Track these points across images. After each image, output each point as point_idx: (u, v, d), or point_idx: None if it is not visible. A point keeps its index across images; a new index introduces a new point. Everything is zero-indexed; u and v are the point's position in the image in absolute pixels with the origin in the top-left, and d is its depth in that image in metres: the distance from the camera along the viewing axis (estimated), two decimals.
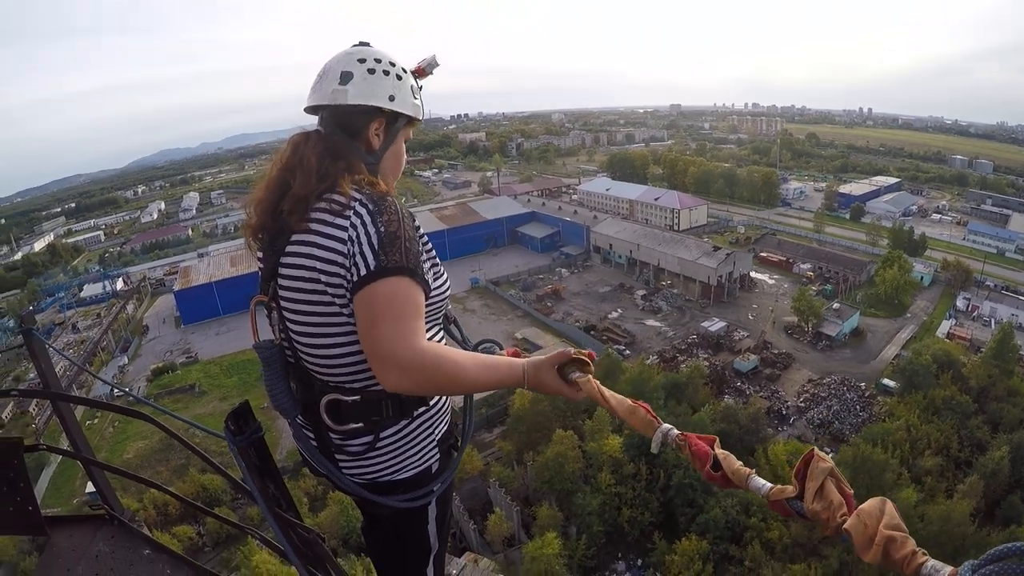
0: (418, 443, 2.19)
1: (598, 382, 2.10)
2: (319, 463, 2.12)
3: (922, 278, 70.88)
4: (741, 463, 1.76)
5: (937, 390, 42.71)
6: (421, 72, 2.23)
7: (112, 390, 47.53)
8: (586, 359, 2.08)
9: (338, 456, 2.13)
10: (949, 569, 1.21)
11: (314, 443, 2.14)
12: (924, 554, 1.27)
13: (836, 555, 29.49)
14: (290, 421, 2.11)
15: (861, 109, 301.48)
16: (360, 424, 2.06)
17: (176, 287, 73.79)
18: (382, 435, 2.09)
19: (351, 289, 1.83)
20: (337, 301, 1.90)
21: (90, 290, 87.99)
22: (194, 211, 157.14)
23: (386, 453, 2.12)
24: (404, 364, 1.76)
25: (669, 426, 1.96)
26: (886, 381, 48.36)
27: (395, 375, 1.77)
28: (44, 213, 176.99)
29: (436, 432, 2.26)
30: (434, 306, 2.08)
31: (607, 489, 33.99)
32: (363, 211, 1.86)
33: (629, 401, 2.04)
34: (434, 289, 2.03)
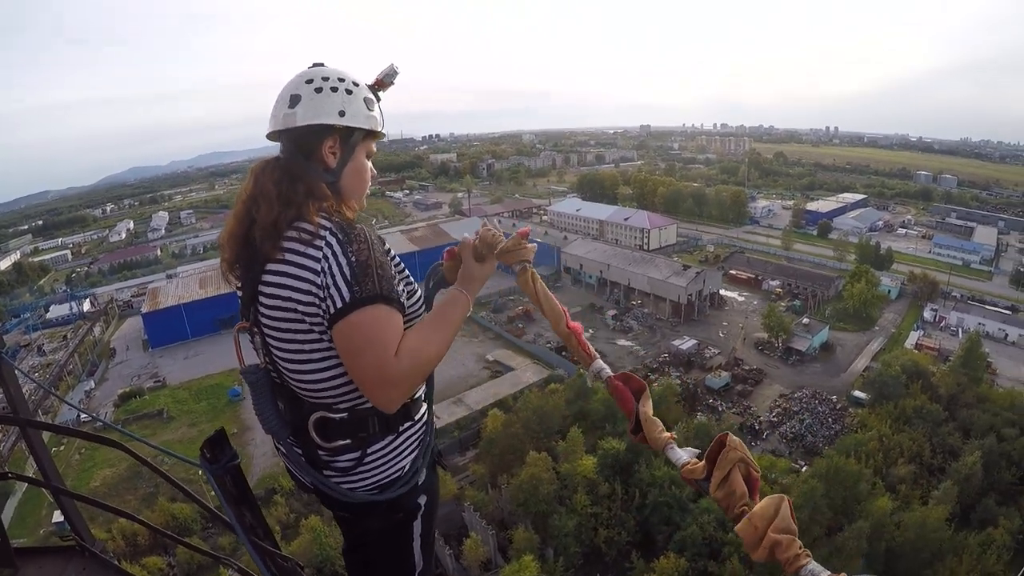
0: (404, 457, 2.22)
1: (537, 277, 2.17)
2: (309, 476, 2.15)
3: (889, 291, 72.19)
4: (663, 427, 1.82)
5: (908, 400, 43.44)
6: (381, 84, 2.23)
7: (79, 416, 46.45)
8: (512, 249, 2.18)
9: (327, 472, 2.14)
10: (827, 573, 1.29)
11: (302, 457, 2.14)
12: (807, 556, 1.35)
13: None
14: (281, 442, 2.14)
15: (827, 128, 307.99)
16: (348, 440, 2.09)
17: (144, 309, 72.37)
18: (369, 451, 2.12)
19: (328, 321, 1.86)
20: (316, 329, 1.93)
21: (56, 311, 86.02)
22: (163, 231, 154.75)
23: (373, 467, 2.15)
24: (388, 382, 1.84)
25: (603, 364, 2.03)
26: (857, 393, 49.03)
27: (387, 395, 1.87)
28: (11, 230, 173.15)
29: (421, 445, 2.30)
30: (411, 322, 2.10)
31: (583, 510, 33.84)
32: (333, 241, 1.88)
33: (565, 321, 2.10)
34: (408, 308, 2.08)
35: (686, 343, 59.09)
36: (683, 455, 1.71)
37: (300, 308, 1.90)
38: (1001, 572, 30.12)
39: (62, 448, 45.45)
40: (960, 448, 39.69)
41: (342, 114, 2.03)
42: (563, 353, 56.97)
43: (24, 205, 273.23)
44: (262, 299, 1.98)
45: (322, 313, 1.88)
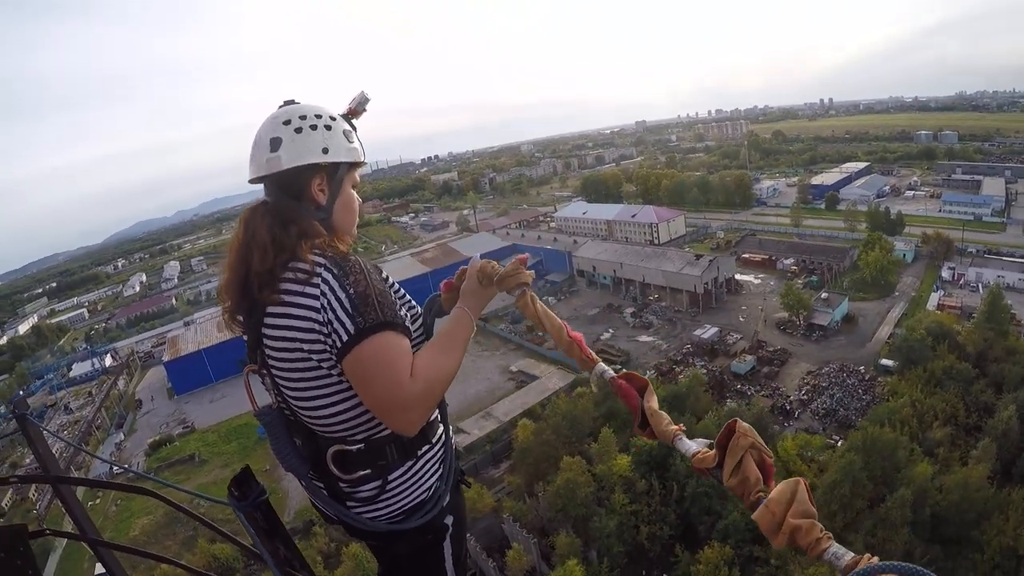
0: (426, 480, 2.21)
1: (535, 299, 2.25)
2: (332, 509, 2.15)
3: (904, 255, 71.69)
4: (670, 420, 1.85)
5: (936, 362, 42.84)
6: (353, 113, 2.23)
7: (112, 468, 46.82)
8: (511, 273, 2.23)
9: (349, 503, 2.14)
10: (850, 556, 1.29)
11: (325, 492, 2.15)
12: (829, 538, 1.34)
13: (860, 539, 29.17)
14: (302, 478, 2.14)
15: (822, 100, 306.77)
16: (368, 470, 2.09)
17: (165, 358, 73.12)
18: (390, 478, 2.12)
19: (337, 355, 1.86)
20: (324, 365, 1.92)
21: (79, 369, 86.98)
22: (176, 280, 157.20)
23: (395, 495, 2.14)
24: (405, 406, 1.85)
25: (605, 367, 2.09)
26: (884, 361, 48.59)
27: (406, 419, 1.87)
28: (26, 295, 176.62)
29: (443, 467, 2.29)
30: (415, 347, 2.09)
31: (622, 509, 33.66)
32: (329, 276, 1.88)
33: (566, 332, 2.18)
34: (412, 332, 2.09)
35: (707, 332, 58.88)
36: (692, 445, 1.72)
37: (305, 347, 1.90)
38: None
39: (98, 501, 45.95)
40: (994, 404, 39.06)
41: (325, 151, 2.04)
42: None
43: (36, 270, 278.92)
44: (267, 342, 1.98)
45: (329, 349, 1.88)
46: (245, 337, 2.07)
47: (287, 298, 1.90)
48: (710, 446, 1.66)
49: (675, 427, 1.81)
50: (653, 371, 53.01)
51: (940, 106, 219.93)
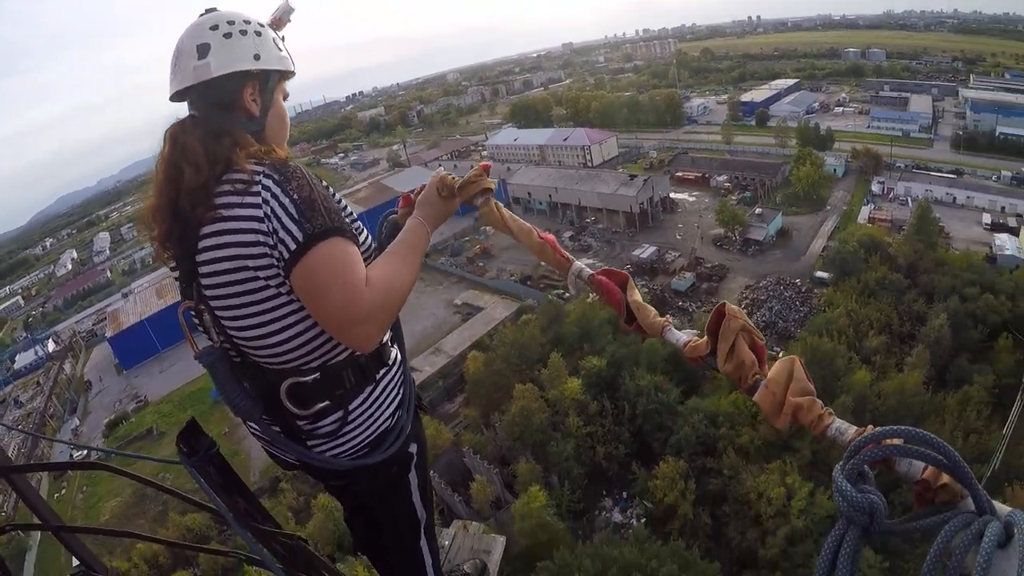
0: (388, 406, 2.17)
1: (499, 205, 2.17)
2: (291, 451, 2.06)
3: (835, 170, 72.95)
4: (656, 312, 1.85)
5: (869, 273, 44.32)
6: (277, 23, 2.10)
7: (71, 452, 46.09)
8: (473, 180, 2.16)
9: (310, 442, 2.05)
10: (853, 429, 1.31)
11: (280, 433, 2.03)
12: (831, 414, 1.35)
13: (807, 446, 30.57)
14: (255, 421, 2.01)
15: (750, 18, 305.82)
16: (327, 402, 2.00)
17: (108, 333, 71.14)
18: (351, 407, 2.05)
19: (284, 267, 1.75)
20: (271, 282, 1.81)
21: (23, 360, 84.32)
22: (107, 251, 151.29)
23: (359, 424, 2.08)
24: (362, 318, 1.74)
25: (581, 265, 2.04)
26: (819, 273, 49.86)
27: (364, 331, 1.76)
28: None
29: (402, 391, 2.25)
30: (365, 262, 1.94)
31: (578, 432, 34.40)
32: (270, 183, 1.76)
33: (536, 234, 2.12)
34: (361, 246, 1.96)
35: (646, 251, 59.55)
36: (682, 336, 1.70)
37: (250, 264, 1.78)
38: (982, 427, 31.41)
39: (63, 492, 45.32)
40: (926, 313, 40.51)
41: (257, 57, 1.93)
42: (528, 283, 57.19)
43: None
44: (204, 268, 1.83)
45: (275, 262, 1.76)
46: (175, 270, 1.96)
47: (225, 212, 1.76)
48: (699, 335, 1.64)
49: (662, 319, 1.79)
50: (594, 293, 53.53)
51: (868, 24, 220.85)
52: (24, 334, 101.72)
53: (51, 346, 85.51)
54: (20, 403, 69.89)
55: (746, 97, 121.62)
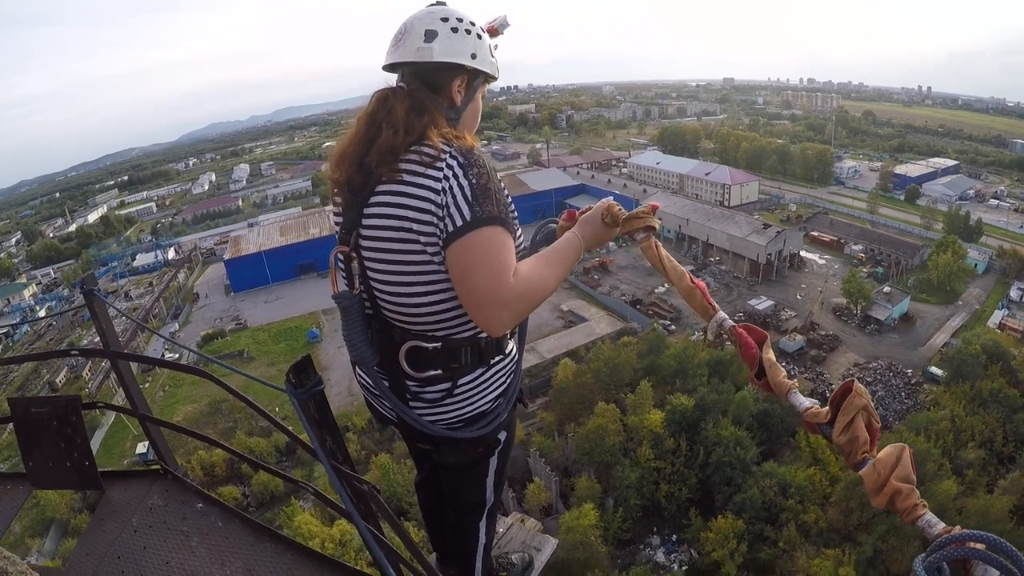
0: (492, 391, 2.24)
1: (659, 244, 2.20)
2: (394, 405, 2.17)
3: (976, 265, 68.55)
4: (786, 374, 1.85)
5: (985, 381, 41.40)
6: (493, 32, 2.24)
7: (163, 354, 48.74)
8: (640, 215, 2.24)
9: (413, 404, 2.18)
10: (942, 525, 1.33)
11: (388, 388, 2.17)
12: (924, 506, 1.38)
13: (870, 542, 29.27)
14: (367, 370, 2.17)
15: (920, 87, 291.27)
16: (439, 371, 2.12)
17: (226, 256, 75.42)
18: (459, 382, 2.15)
19: (445, 240, 1.87)
20: (429, 250, 1.93)
21: (142, 260, 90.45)
22: (244, 182, 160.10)
23: (461, 400, 2.18)
24: (501, 303, 1.84)
25: (725, 316, 2.05)
26: (933, 369, 47.20)
27: (498, 316, 1.87)
28: (98, 186, 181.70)
29: (508, 381, 2.33)
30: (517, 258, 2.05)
31: (646, 463, 34.16)
32: (454, 163, 1.89)
33: (688, 278, 2.11)
34: (516, 243, 2.04)
35: (762, 303, 58.31)
36: (805, 401, 1.73)
37: (416, 227, 1.90)
38: None
39: (146, 386, 48.14)
40: None
41: (473, 56, 2.08)
42: (637, 306, 56.98)
43: (110, 163, 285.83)
44: (371, 220, 1.98)
45: (439, 232, 1.88)
46: (339, 218, 2.11)
47: (407, 177, 1.91)
48: (820, 405, 1.69)
49: (791, 381, 1.81)
50: (701, 333, 52.80)
51: None
52: (150, 237, 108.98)
53: (171, 254, 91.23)
54: (130, 297, 75.04)
55: (900, 169, 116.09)
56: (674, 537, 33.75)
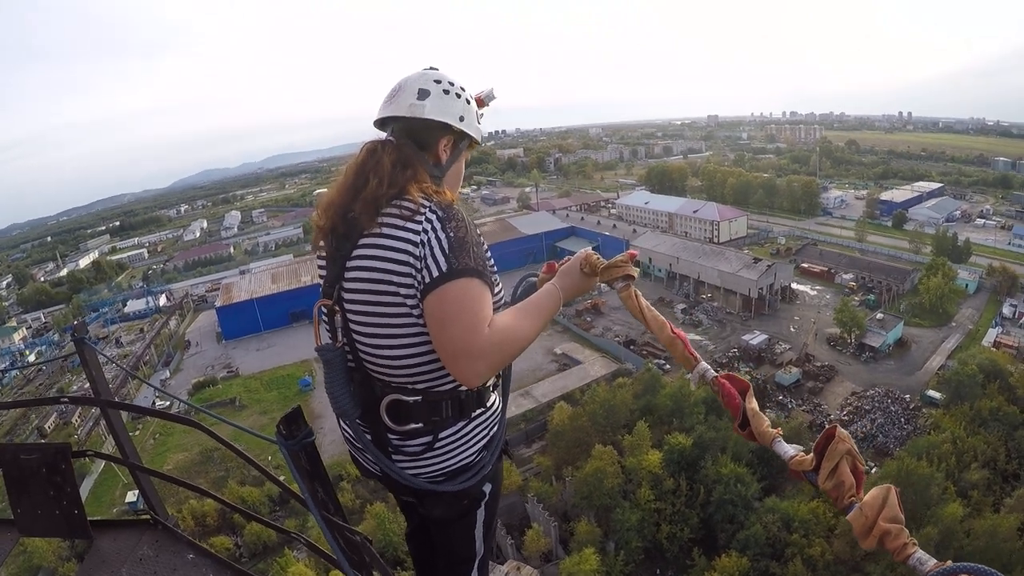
0: (474, 444, 2.24)
1: (639, 294, 2.22)
2: (376, 459, 2.18)
3: (967, 285, 68.99)
4: (770, 423, 1.87)
5: (984, 401, 41.52)
6: (480, 102, 2.33)
7: (154, 403, 48.40)
8: (618, 264, 2.26)
9: (395, 457, 2.19)
10: (933, 562, 1.36)
11: (371, 441, 2.19)
12: (914, 544, 1.41)
13: (878, 572, 29.00)
14: (348, 423, 2.21)
15: (901, 113, 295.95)
16: (420, 424, 2.13)
17: (218, 303, 75.06)
18: (440, 435, 2.16)
19: (422, 291, 1.91)
20: (408, 302, 1.95)
21: (134, 306, 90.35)
22: (236, 229, 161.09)
23: (443, 453, 2.18)
24: (476, 354, 1.85)
25: (707, 366, 2.07)
26: (931, 392, 47.21)
27: (473, 367, 1.87)
28: (89, 231, 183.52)
29: (491, 433, 2.33)
30: (495, 310, 2.09)
31: (646, 505, 33.86)
32: (433, 217, 1.94)
33: (669, 328, 2.11)
34: (494, 296, 2.07)
35: (756, 338, 58.13)
36: (790, 449, 1.76)
37: (395, 279, 1.94)
38: None
39: (137, 434, 47.64)
40: None
41: (461, 119, 2.17)
42: (631, 347, 56.94)
43: (101, 208, 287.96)
44: (353, 273, 2.02)
45: (416, 283, 1.92)
46: (323, 268, 2.15)
47: (387, 230, 1.96)
48: (805, 451, 1.72)
49: (775, 430, 1.85)
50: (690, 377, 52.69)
51: (1023, 133, 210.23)
52: (141, 284, 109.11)
53: (163, 300, 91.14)
54: (121, 344, 74.91)
55: (886, 195, 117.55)
56: None
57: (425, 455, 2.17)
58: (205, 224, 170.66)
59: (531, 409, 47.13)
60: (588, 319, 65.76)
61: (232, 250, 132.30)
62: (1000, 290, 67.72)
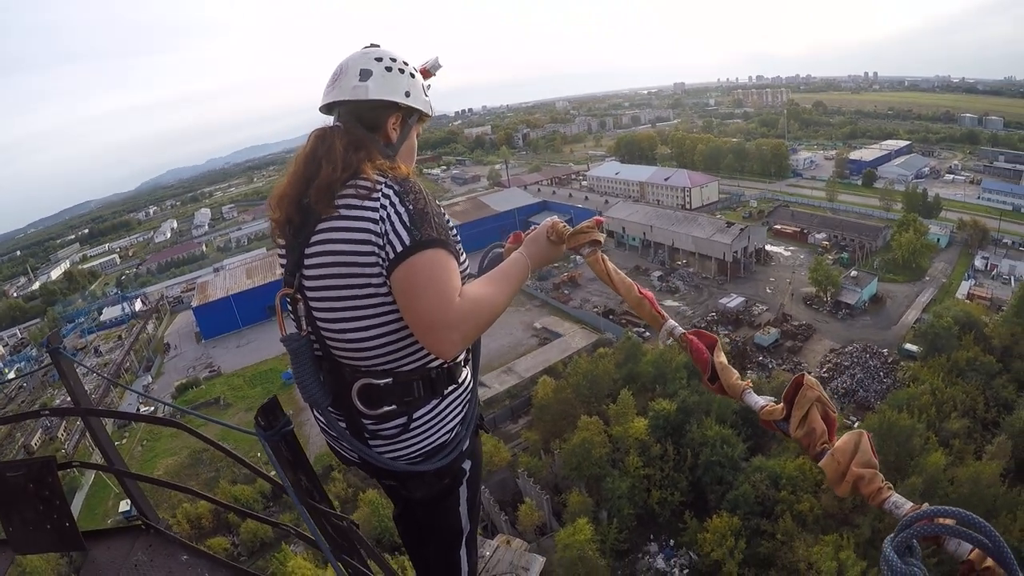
0: (448, 421, 2.25)
1: (605, 258, 2.23)
2: (352, 446, 2.17)
3: (938, 240, 70.14)
4: (739, 375, 1.86)
5: (960, 352, 42.16)
6: (425, 73, 2.31)
7: (139, 409, 47.99)
8: (584, 230, 2.25)
9: (372, 441, 2.17)
10: (909, 505, 1.33)
11: (345, 429, 2.18)
12: (889, 488, 1.39)
13: (868, 523, 29.50)
14: (321, 411, 2.18)
15: (866, 73, 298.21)
16: (393, 406, 2.11)
17: (194, 303, 74.17)
18: (415, 416, 2.15)
19: (388, 267, 1.89)
20: (373, 281, 1.94)
21: (109, 313, 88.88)
22: (207, 227, 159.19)
23: (419, 433, 2.18)
24: (450, 324, 1.83)
25: (675, 324, 2.10)
26: (908, 346, 47.89)
27: (447, 338, 1.85)
28: (59, 241, 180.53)
29: (465, 410, 2.33)
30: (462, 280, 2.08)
31: (635, 472, 34.07)
32: (390, 192, 1.92)
33: (636, 289, 2.16)
34: (460, 266, 2.05)
35: (733, 301, 58.66)
36: (760, 400, 1.75)
37: (358, 259, 1.92)
38: None
39: (124, 442, 47.32)
40: (1015, 401, 38.60)
41: (408, 95, 2.14)
42: (610, 317, 57.15)
43: (68, 216, 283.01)
44: (313, 259, 2.00)
45: (381, 261, 1.90)
46: (283, 260, 2.12)
47: (345, 211, 1.94)
48: (776, 401, 1.71)
49: (744, 382, 1.84)
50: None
51: (988, 89, 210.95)
52: (115, 290, 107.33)
53: (138, 305, 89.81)
54: (100, 353, 73.72)
55: (855, 155, 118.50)
56: (671, 542, 33.66)
57: (401, 437, 2.16)
58: (175, 224, 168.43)
59: (515, 385, 47.28)
60: (566, 292, 65.90)
61: (204, 248, 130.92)
62: (971, 243, 68.83)
